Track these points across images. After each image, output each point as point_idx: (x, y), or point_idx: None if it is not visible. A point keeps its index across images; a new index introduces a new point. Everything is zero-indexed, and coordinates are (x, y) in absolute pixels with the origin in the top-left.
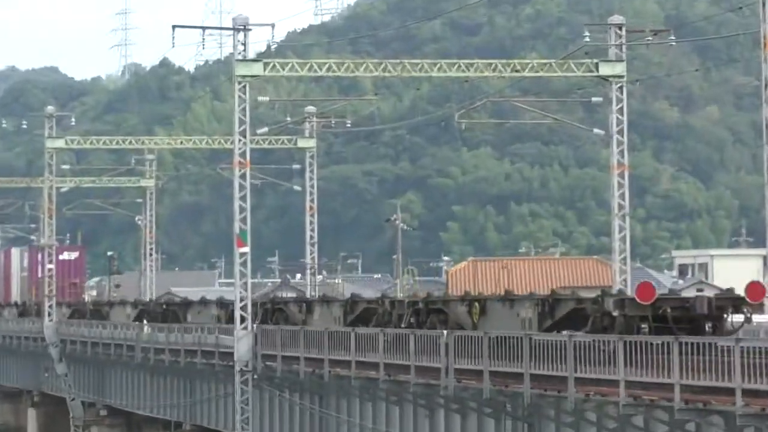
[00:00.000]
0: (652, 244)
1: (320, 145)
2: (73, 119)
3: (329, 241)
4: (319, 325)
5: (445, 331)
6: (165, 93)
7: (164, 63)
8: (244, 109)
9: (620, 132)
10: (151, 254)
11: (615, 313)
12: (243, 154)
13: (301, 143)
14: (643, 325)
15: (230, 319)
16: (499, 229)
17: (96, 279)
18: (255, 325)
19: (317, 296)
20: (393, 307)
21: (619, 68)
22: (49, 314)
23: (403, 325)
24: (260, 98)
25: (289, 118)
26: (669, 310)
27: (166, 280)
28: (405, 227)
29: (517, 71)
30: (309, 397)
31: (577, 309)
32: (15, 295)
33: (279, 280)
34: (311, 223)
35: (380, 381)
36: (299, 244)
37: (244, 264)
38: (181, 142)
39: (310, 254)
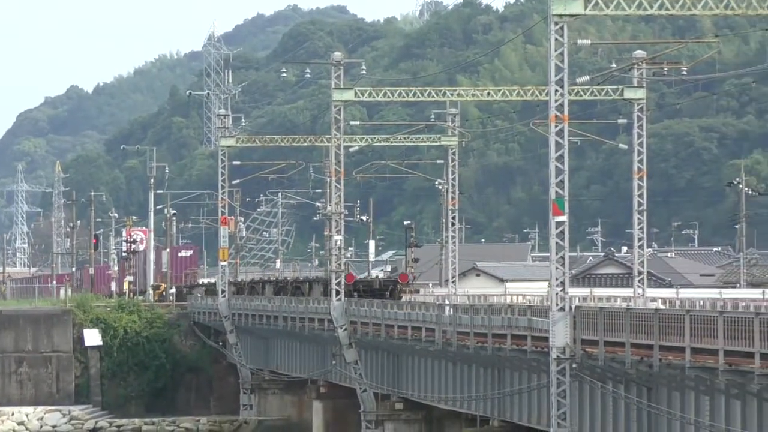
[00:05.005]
0: None
1: (651, 96)
2: (363, 67)
3: (661, 208)
4: None
5: None
6: (470, 36)
7: (469, 1)
8: (561, 55)
9: None
10: (453, 224)
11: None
12: (560, 107)
13: (628, 94)
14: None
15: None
16: None
17: (390, 253)
18: (573, 307)
19: None
20: None
21: None
22: (337, 293)
23: None
24: (580, 41)
25: (614, 65)
26: (361, 286)
27: (471, 254)
28: (750, 192)
29: None
30: (636, 389)
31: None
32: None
33: (602, 254)
34: (640, 187)
35: (719, 371)
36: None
37: (561, 235)
38: (489, 94)
39: (638, 224)
